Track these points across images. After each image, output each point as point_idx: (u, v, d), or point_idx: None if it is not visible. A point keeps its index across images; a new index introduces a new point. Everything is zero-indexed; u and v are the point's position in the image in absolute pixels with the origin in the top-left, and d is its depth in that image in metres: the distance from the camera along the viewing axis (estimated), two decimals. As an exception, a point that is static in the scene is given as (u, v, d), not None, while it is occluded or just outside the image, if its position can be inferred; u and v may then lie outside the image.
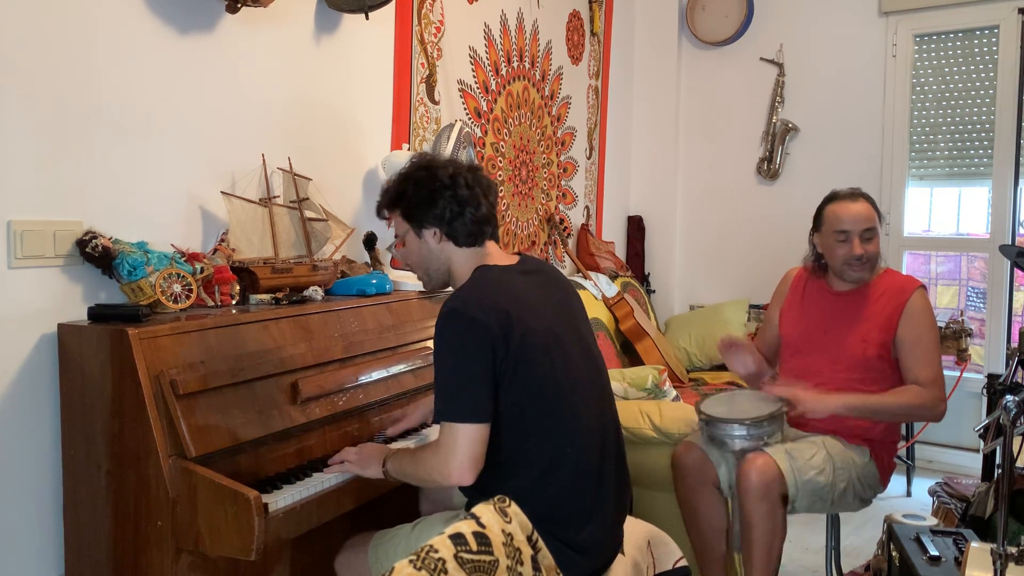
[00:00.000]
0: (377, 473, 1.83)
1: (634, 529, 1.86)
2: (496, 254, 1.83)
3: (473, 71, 3.46)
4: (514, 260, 1.83)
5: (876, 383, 2.32)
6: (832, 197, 2.44)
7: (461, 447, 1.61)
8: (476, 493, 1.73)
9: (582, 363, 1.77)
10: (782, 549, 2.20)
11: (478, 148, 3.50)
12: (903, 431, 3.58)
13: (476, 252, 1.81)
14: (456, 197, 1.76)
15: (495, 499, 1.29)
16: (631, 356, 3.88)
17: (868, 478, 2.35)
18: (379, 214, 1.90)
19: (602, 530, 1.73)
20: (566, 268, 4.24)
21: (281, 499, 1.73)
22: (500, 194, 3.63)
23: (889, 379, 2.34)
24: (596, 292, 3.94)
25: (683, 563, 1.89)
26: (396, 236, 1.88)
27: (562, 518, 1.67)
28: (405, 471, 1.77)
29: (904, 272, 4.18)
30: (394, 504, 2.17)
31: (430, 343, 2.38)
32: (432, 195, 1.77)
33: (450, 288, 1.86)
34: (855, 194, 2.41)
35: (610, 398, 1.86)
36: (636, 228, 4.86)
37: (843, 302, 2.43)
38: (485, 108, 3.55)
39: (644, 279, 4.81)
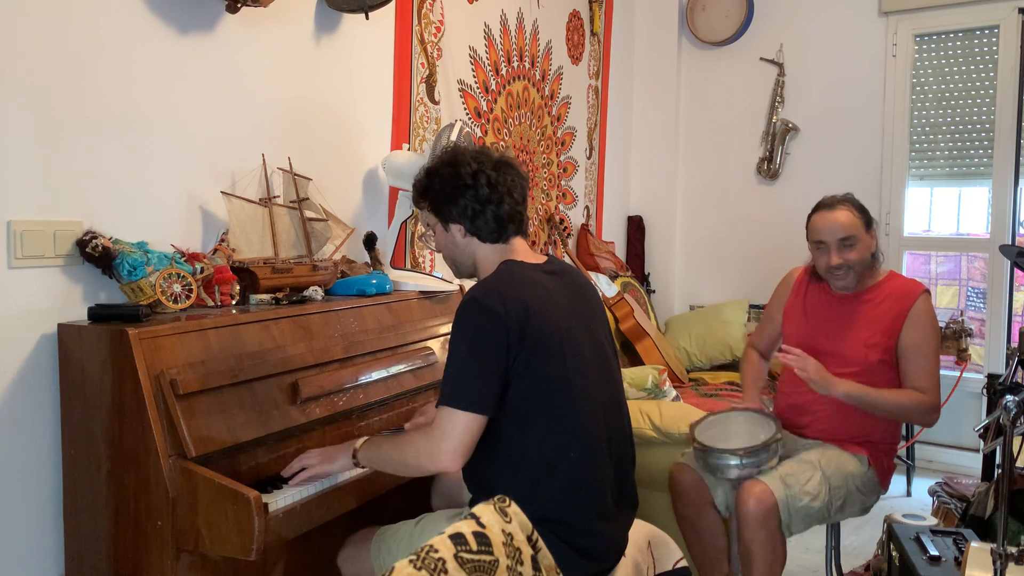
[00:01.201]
0: (346, 464, 1.84)
1: (634, 529, 1.86)
2: (523, 251, 1.84)
3: (473, 71, 3.46)
4: (541, 259, 1.84)
5: (878, 387, 2.31)
6: (816, 207, 2.42)
7: (456, 434, 1.61)
8: (480, 491, 1.73)
9: (595, 367, 1.77)
10: (782, 571, 2.20)
11: (478, 148, 3.49)
12: (903, 431, 3.58)
13: (501, 248, 1.82)
14: (477, 196, 1.77)
15: (495, 499, 1.29)
16: (631, 356, 3.88)
17: (868, 485, 2.35)
18: (414, 203, 1.94)
19: (605, 533, 1.73)
20: (566, 268, 4.24)
21: (281, 499, 1.73)
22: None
23: (891, 383, 2.34)
24: (596, 292, 3.94)
25: (683, 564, 1.89)
26: (427, 226, 1.90)
27: (564, 519, 1.67)
28: (383, 456, 1.77)
29: (904, 272, 4.19)
30: (394, 502, 2.17)
31: (430, 343, 2.39)
32: (454, 192, 1.78)
33: (475, 279, 1.87)
34: (836, 202, 2.37)
35: (621, 405, 1.86)
36: (636, 228, 4.86)
37: (846, 305, 2.42)
38: (485, 108, 3.55)
39: (644, 279, 4.81)
